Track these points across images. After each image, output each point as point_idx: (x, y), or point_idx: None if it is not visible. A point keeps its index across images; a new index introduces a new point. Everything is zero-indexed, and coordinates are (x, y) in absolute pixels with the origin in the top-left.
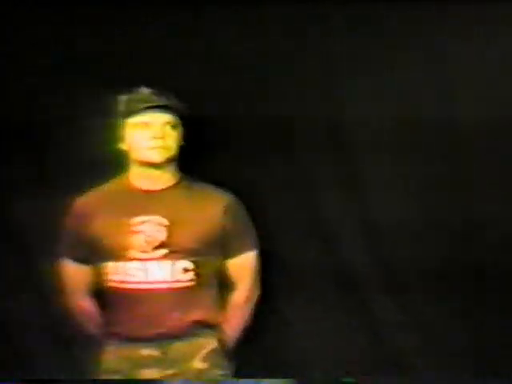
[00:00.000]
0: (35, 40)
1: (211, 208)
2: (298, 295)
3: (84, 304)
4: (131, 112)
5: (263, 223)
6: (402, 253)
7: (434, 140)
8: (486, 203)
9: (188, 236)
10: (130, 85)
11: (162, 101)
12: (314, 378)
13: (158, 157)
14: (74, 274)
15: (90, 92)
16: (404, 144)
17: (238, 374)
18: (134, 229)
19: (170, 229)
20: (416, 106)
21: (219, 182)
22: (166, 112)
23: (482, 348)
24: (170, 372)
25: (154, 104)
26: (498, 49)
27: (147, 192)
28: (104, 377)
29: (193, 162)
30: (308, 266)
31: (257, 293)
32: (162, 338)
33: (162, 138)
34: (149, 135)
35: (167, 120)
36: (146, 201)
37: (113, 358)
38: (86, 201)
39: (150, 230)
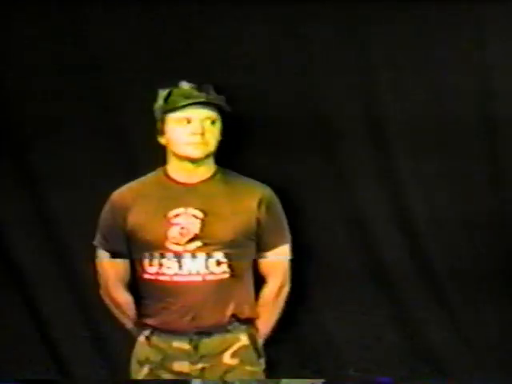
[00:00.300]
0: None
1: (246, 201)
2: (331, 291)
3: (120, 297)
4: (172, 107)
5: (300, 217)
6: (439, 250)
7: (471, 137)
8: None
9: (222, 229)
10: (171, 79)
11: (203, 97)
12: (346, 378)
13: (197, 152)
14: (111, 267)
15: (129, 87)
16: (442, 141)
17: (268, 370)
18: (170, 221)
19: (204, 221)
20: (453, 104)
21: (256, 176)
22: (205, 108)
23: None
24: (199, 366)
25: (195, 101)
26: None
27: (184, 185)
28: (134, 367)
29: (231, 156)
30: (343, 262)
31: (288, 288)
32: (195, 332)
33: (202, 133)
34: (189, 131)
35: (207, 115)
36: (183, 193)
37: (145, 348)
38: (124, 194)
39: (185, 222)
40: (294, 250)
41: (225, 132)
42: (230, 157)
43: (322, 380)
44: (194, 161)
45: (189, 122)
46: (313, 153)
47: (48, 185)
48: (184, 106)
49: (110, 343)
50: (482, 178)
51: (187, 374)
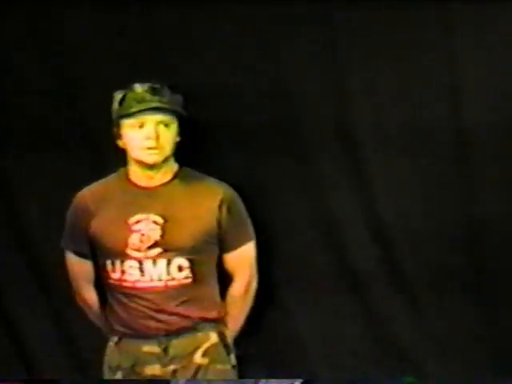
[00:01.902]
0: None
1: (206, 202)
2: (298, 288)
3: (90, 297)
4: (125, 112)
5: (264, 216)
6: (408, 250)
7: (441, 139)
8: (491, 203)
9: (182, 235)
10: (130, 81)
11: (155, 101)
12: (320, 376)
13: (152, 158)
14: (77, 267)
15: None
16: (412, 144)
17: (239, 368)
18: (131, 228)
19: (164, 227)
20: (425, 107)
21: (226, 177)
22: (159, 112)
23: (491, 347)
24: (171, 368)
25: (148, 106)
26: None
27: (144, 188)
28: (107, 373)
29: (199, 157)
30: (313, 262)
31: (255, 284)
32: (162, 335)
33: (156, 138)
34: (143, 135)
35: (160, 119)
36: (144, 198)
37: (115, 354)
38: (86, 198)
39: (146, 229)
40: (264, 250)
41: (193, 133)
42: (197, 158)
43: (300, 380)
44: (150, 166)
45: (142, 126)
46: (284, 155)
47: (19, 190)
48: (136, 111)
49: (82, 345)
50: (454, 181)
51: (160, 377)
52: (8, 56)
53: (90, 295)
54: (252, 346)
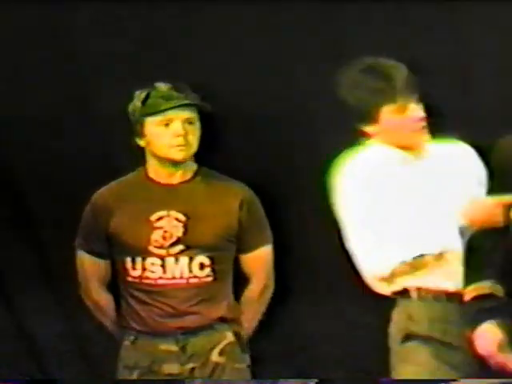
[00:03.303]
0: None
1: (227, 202)
2: (312, 290)
3: (101, 298)
4: (154, 111)
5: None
6: None
7: None
8: None
9: (204, 232)
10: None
11: (184, 98)
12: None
13: (181, 155)
14: (91, 268)
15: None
16: None
17: (254, 367)
18: (153, 225)
19: (186, 225)
20: None
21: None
22: (185, 109)
23: None
24: (189, 366)
25: (178, 103)
26: None
27: (166, 186)
28: (123, 372)
29: (210, 154)
30: (324, 262)
31: (271, 286)
32: (180, 333)
33: (184, 135)
34: (171, 133)
35: (187, 116)
36: (165, 195)
37: (131, 353)
38: (105, 196)
39: (168, 226)
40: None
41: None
42: (210, 156)
43: (315, 380)
44: (176, 163)
45: (169, 123)
46: (292, 151)
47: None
48: (164, 109)
49: (92, 344)
50: None
51: (177, 375)
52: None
53: (104, 296)
54: (265, 346)
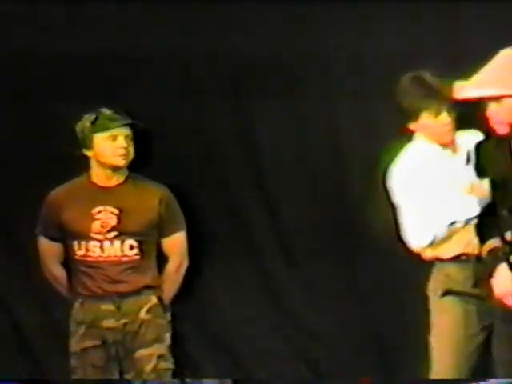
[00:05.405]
0: None
1: (150, 199)
2: (218, 265)
3: (56, 272)
4: (103, 128)
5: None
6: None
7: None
8: None
9: (133, 222)
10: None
11: (124, 120)
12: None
13: (122, 162)
14: (49, 249)
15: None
16: None
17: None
18: (94, 217)
19: (120, 216)
20: None
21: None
22: (126, 127)
23: None
24: (122, 322)
25: (123, 123)
26: None
27: (104, 188)
28: (73, 327)
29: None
30: (225, 243)
31: (186, 263)
32: (116, 296)
33: (126, 147)
34: (116, 146)
35: (127, 133)
36: (103, 194)
37: (80, 312)
38: (57, 196)
39: (105, 217)
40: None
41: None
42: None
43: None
44: (116, 169)
45: (114, 139)
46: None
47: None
48: (111, 127)
49: None
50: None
51: (113, 329)
52: None
53: (59, 270)
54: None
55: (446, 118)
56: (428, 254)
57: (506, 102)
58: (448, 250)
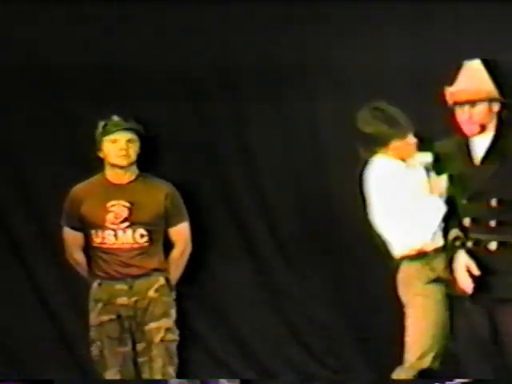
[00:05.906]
0: None
1: (157, 195)
2: (218, 253)
3: (78, 257)
4: (107, 133)
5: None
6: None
7: None
8: None
9: (143, 214)
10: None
11: (126, 125)
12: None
13: (123, 162)
14: (71, 237)
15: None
16: None
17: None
18: (108, 210)
19: (131, 209)
20: None
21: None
22: (128, 132)
23: None
24: (133, 299)
25: (120, 128)
26: None
27: (117, 184)
28: (91, 305)
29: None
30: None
31: (189, 249)
32: (129, 278)
33: (126, 149)
34: (117, 147)
35: (129, 137)
36: (117, 190)
37: (97, 291)
38: (78, 191)
39: (118, 210)
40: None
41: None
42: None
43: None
44: (121, 167)
45: (116, 142)
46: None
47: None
48: (114, 132)
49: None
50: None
51: (126, 305)
52: None
53: (80, 256)
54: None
55: (411, 138)
56: (412, 252)
57: (479, 105)
58: (431, 243)
